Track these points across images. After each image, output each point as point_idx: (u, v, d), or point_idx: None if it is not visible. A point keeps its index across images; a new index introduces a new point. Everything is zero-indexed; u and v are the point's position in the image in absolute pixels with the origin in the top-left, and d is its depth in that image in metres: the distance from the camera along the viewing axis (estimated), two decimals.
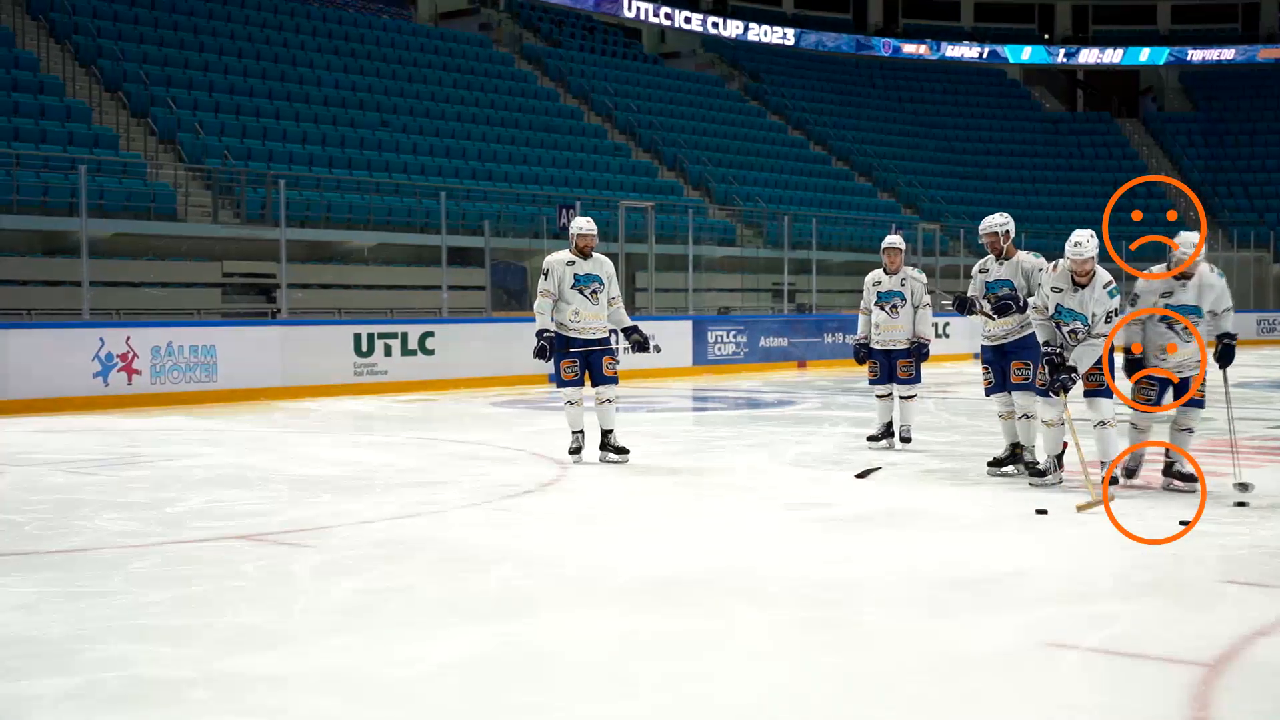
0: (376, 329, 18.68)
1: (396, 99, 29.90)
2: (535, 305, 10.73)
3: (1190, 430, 9.11)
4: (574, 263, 10.69)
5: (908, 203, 40.85)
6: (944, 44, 53.12)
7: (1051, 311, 9.02)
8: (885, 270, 11.61)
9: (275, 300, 20.03)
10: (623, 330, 10.94)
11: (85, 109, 23.32)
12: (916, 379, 11.63)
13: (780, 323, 25.35)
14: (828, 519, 8.05)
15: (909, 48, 52.60)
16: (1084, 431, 9.06)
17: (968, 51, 53.47)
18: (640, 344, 10.85)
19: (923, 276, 11.67)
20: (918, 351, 11.50)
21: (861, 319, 11.77)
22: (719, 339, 23.40)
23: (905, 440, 11.60)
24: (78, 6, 26.67)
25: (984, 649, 5.04)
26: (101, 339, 15.84)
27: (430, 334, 19.08)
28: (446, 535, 7.45)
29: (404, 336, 18.82)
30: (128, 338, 16.05)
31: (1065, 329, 8.95)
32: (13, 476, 10.00)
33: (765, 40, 49.04)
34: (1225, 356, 9.01)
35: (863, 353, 11.74)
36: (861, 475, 9.80)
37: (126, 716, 4.27)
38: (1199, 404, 9.09)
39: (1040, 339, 9.14)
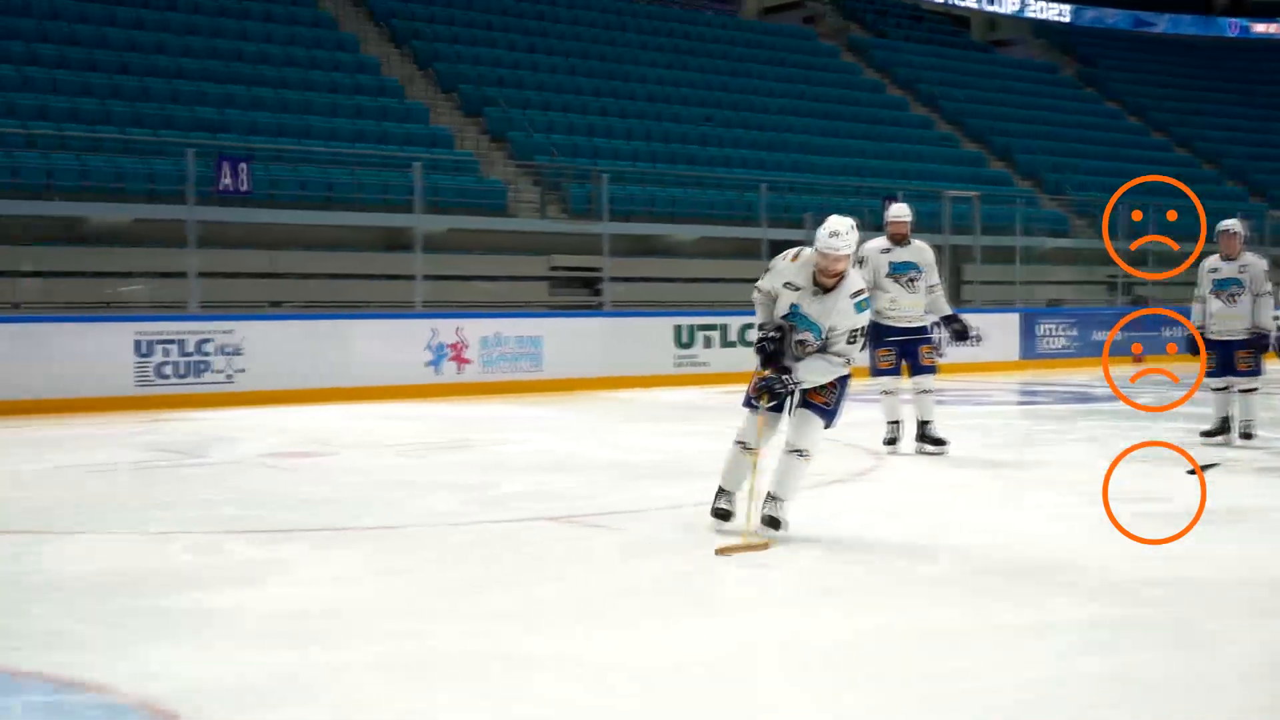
0: (697, 320, 18.82)
1: (720, 94, 30.04)
2: None
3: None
4: (889, 250, 10.50)
5: (1256, 190, 38.63)
6: None
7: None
8: (1222, 256, 10.97)
9: (600, 293, 20.40)
10: (942, 319, 10.68)
11: (423, 110, 24.26)
12: (1257, 371, 10.93)
13: (1115, 316, 24.33)
14: (1155, 515, 7.62)
15: (1259, 27, 49.77)
16: None
17: None
18: (960, 333, 10.56)
19: (1263, 263, 10.96)
20: (1258, 342, 10.79)
21: (1195, 307, 11.16)
22: (1048, 332, 22.66)
23: (1246, 436, 10.94)
24: (416, 13, 27.78)
25: None
26: (434, 329, 16.44)
27: (751, 326, 19.04)
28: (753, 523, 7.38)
29: (724, 328, 18.90)
30: (458, 328, 16.62)
31: None
32: (346, 458, 10.43)
33: (1101, 24, 47.24)
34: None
35: (1197, 344, 11.12)
36: (1197, 471, 9.26)
37: (421, 685, 4.35)
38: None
39: None
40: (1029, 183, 33.07)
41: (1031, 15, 46.04)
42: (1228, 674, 4.47)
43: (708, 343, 18.68)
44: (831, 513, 7.73)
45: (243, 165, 17.41)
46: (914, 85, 36.21)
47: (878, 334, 10.41)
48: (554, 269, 22.48)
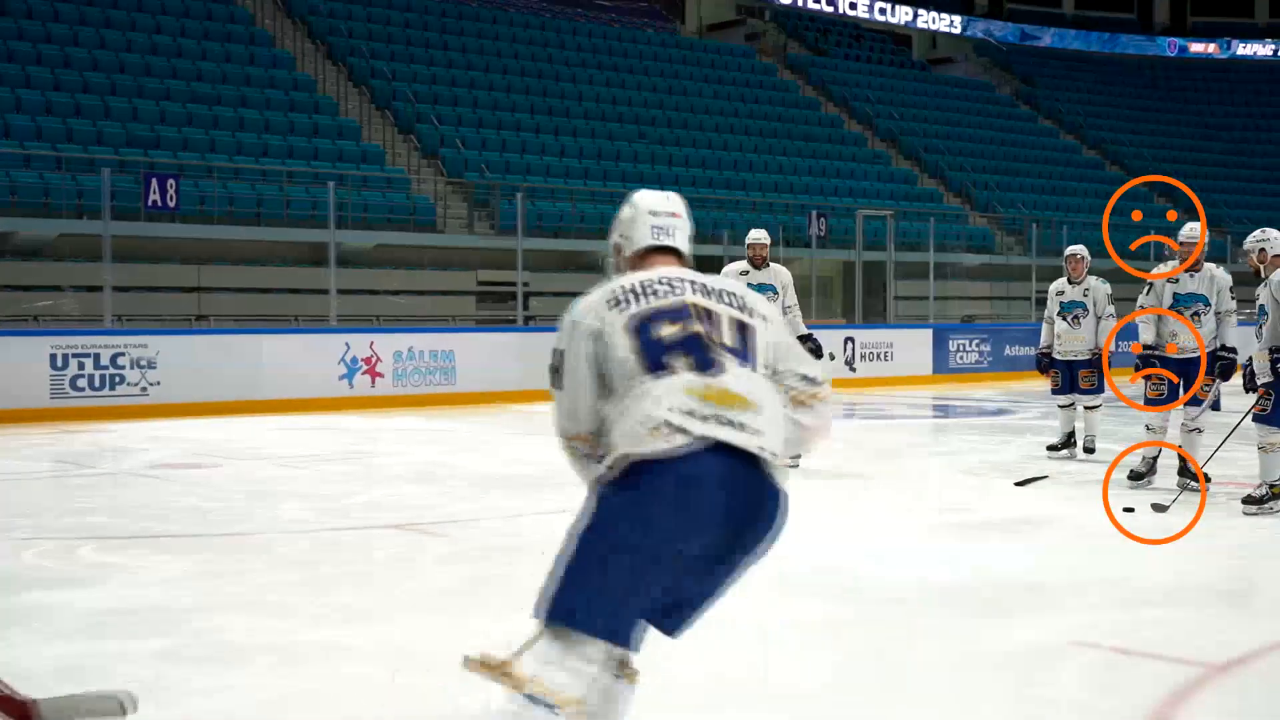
0: None
1: (655, 111, 30.63)
2: None
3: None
4: (747, 273, 11.08)
5: (1188, 208, 39.42)
6: (1235, 42, 51.04)
7: None
8: (1069, 279, 11.59)
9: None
10: (798, 338, 11.25)
11: (355, 127, 24.78)
12: (1099, 389, 11.55)
13: (1029, 331, 24.95)
14: (955, 525, 8.22)
15: (1196, 47, 50.73)
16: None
17: (1261, 49, 51.21)
18: (813, 352, 11.15)
19: (1106, 287, 11.55)
20: (1098, 363, 11.43)
21: (1045, 328, 11.79)
22: (961, 347, 23.30)
23: (1089, 450, 11.55)
24: (353, 30, 28.30)
25: (1008, 650, 5.24)
26: (347, 344, 16.95)
27: None
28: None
29: None
30: (371, 343, 17.14)
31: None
32: (229, 469, 10.94)
33: (1041, 43, 48.09)
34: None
35: (1045, 362, 11.75)
36: (1021, 484, 9.87)
37: (194, 672, 4.89)
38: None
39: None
40: (958, 199, 33.79)
41: (1030, 42, 47.02)
42: (915, 669, 5.07)
43: None
44: None
45: (170, 181, 17.88)
46: (850, 103, 36.89)
47: None
48: (481, 284, 23.03)
